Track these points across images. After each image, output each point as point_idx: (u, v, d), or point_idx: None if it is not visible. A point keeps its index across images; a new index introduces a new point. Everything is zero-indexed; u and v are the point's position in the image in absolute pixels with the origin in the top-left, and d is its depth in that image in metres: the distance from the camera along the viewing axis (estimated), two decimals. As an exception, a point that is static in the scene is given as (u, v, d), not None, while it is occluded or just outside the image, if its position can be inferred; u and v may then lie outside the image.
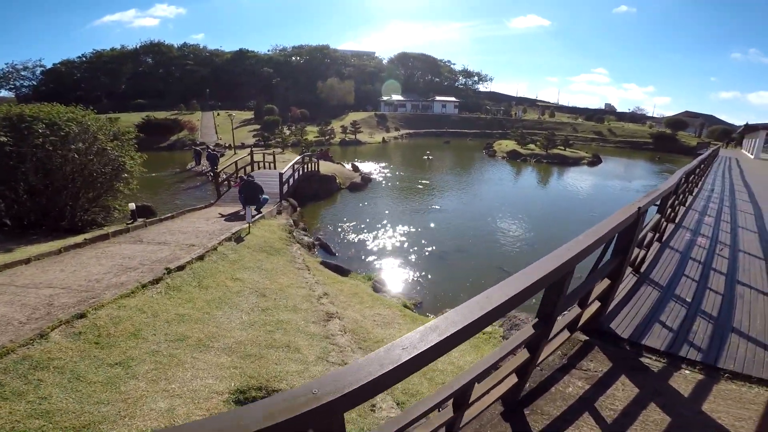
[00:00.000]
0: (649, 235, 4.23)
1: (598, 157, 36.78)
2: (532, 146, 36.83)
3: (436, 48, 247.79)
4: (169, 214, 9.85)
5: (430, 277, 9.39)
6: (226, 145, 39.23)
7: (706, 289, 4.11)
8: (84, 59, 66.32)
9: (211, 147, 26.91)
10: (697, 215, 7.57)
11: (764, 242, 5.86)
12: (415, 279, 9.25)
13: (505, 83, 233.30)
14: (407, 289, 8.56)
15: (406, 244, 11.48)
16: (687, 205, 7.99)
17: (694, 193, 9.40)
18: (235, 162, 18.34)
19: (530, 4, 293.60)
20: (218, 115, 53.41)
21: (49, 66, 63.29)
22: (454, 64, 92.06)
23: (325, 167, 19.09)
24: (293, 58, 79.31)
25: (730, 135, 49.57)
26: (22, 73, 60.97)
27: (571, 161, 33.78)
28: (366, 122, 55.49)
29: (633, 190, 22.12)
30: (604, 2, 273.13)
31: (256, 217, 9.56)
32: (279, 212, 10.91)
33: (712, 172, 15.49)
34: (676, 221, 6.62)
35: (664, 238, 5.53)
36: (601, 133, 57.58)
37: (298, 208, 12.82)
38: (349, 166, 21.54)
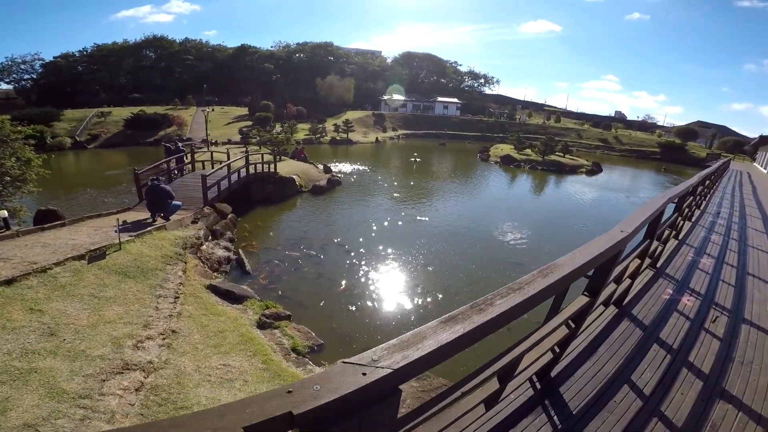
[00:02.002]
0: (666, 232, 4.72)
1: (599, 166, 34.84)
2: (528, 151, 35.05)
3: (447, 51, 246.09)
4: (59, 222, 8.59)
5: (359, 311, 7.65)
6: (212, 141, 38.32)
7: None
8: (85, 53, 66.17)
9: (180, 143, 25.09)
10: (692, 253, 5.95)
11: None
12: (338, 310, 7.61)
13: (513, 88, 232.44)
14: (316, 324, 7.00)
15: (349, 263, 9.89)
16: (680, 238, 6.38)
17: (692, 219, 8.07)
18: (203, 160, 17.25)
19: (541, 9, 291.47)
20: (212, 110, 52.67)
21: (48, 59, 63.07)
22: (460, 65, 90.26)
23: (290, 167, 17.73)
24: (297, 55, 78.28)
25: (742, 147, 47.07)
26: (21, 67, 60.89)
27: (568, 169, 31.92)
28: (362, 121, 54.17)
29: (626, 208, 20.35)
30: (617, 9, 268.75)
31: (154, 226, 8.27)
32: (195, 221, 9.58)
33: (720, 188, 13.80)
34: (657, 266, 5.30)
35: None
36: (607, 141, 55.32)
37: (230, 215, 11.46)
38: (321, 167, 20.13)
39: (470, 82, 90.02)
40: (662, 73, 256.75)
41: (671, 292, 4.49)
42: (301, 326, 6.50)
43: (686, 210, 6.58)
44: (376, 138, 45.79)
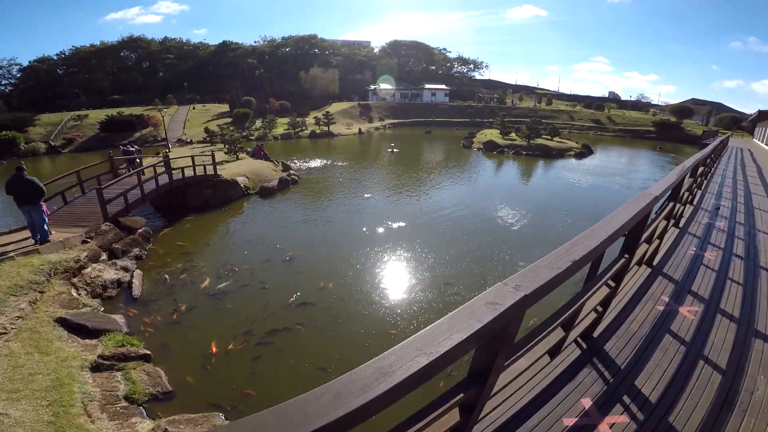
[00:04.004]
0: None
1: (588, 148, 33.47)
2: (513, 136, 33.69)
3: (440, 40, 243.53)
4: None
5: (255, 364, 5.92)
6: (188, 140, 37.18)
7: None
8: (63, 56, 64.78)
9: (134, 145, 22.81)
10: (707, 216, 6.63)
11: None
12: (226, 359, 6.01)
13: (506, 73, 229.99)
14: (184, 368, 5.69)
15: (263, 300, 7.82)
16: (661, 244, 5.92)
17: (703, 186, 8.72)
18: (154, 164, 15.93)
19: None
20: (193, 108, 51.39)
21: (25, 64, 61.77)
22: (449, 51, 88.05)
23: (240, 168, 16.39)
24: (283, 49, 76.33)
25: (740, 123, 45.47)
26: (-1, 72, 59.72)
27: (554, 153, 30.58)
28: (347, 113, 52.77)
29: (616, 197, 18.72)
30: None
31: (21, 249, 7.22)
32: (88, 239, 8.50)
33: (720, 169, 12.48)
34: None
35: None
36: (600, 122, 53.72)
37: (141, 230, 10.18)
38: (279, 165, 18.92)
39: (460, 68, 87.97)
40: (651, 52, 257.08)
41: (695, 249, 4.95)
42: (155, 369, 5.43)
43: (699, 178, 7.33)
44: (359, 129, 44.39)
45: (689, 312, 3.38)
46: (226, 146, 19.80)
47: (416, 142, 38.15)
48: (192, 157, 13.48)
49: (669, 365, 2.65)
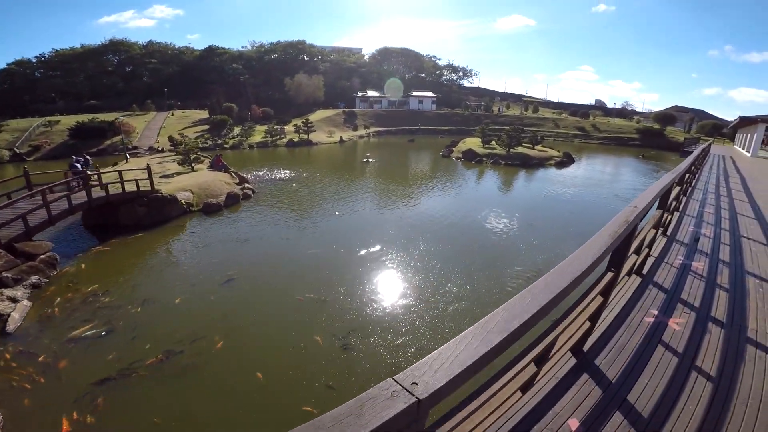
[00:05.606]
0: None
1: (570, 157, 32.96)
2: (494, 144, 33.05)
3: (432, 48, 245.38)
4: None
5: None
6: (159, 148, 35.98)
7: None
8: (42, 58, 63.34)
9: (85, 155, 20.85)
10: (693, 222, 6.74)
11: None
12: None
13: (495, 80, 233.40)
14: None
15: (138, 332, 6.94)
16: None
17: (687, 193, 8.85)
18: (108, 183, 14.57)
19: (513, 4, 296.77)
20: (172, 115, 50.23)
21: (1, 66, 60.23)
22: (439, 59, 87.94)
23: (187, 181, 15.19)
24: (271, 55, 75.40)
25: (721, 130, 45.50)
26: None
27: (534, 162, 29.95)
28: (331, 120, 51.97)
29: (594, 213, 17.88)
30: (583, 1, 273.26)
31: None
32: None
33: (702, 181, 11.66)
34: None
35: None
36: (584, 129, 53.57)
37: (43, 255, 9.07)
38: (236, 177, 17.86)
39: (449, 75, 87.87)
40: (634, 61, 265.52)
41: (682, 257, 4.94)
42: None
43: (685, 185, 7.63)
44: (341, 138, 43.54)
45: (680, 322, 3.37)
46: (180, 156, 18.70)
47: (396, 152, 37.34)
48: (119, 171, 12.36)
49: (661, 379, 2.60)
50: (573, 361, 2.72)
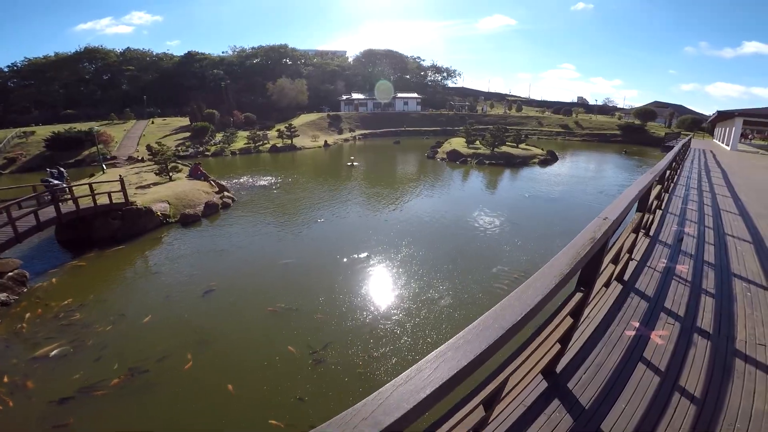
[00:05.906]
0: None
1: (554, 155, 33.22)
2: (478, 144, 33.12)
3: (414, 49, 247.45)
4: None
5: None
6: (139, 157, 35.03)
7: None
8: (14, 68, 61.35)
9: (59, 167, 19.73)
10: (676, 221, 6.53)
11: None
12: None
13: (479, 80, 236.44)
14: None
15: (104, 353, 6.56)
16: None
17: (669, 190, 8.71)
18: (81, 196, 13.87)
19: (494, 4, 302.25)
20: (153, 123, 49.11)
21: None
22: (423, 60, 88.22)
23: (165, 191, 14.65)
24: (253, 60, 74.41)
25: (700, 124, 46.59)
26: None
27: (518, 161, 30.05)
28: (315, 124, 51.50)
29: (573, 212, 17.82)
30: (563, 0, 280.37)
31: None
32: None
33: (684, 177, 11.52)
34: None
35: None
36: (568, 126, 54.25)
37: (12, 272, 8.68)
38: (215, 186, 17.34)
39: (434, 76, 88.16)
40: (614, 58, 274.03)
41: (665, 260, 4.76)
42: None
43: (667, 182, 7.45)
44: (325, 141, 43.13)
45: (663, 334, 3.20)
46: (157, 166, 18.11)
47: (381, 154, 37.13)
48: (90, 184, 11.82)
49: (641, 401, 2.42)
50: (544, 384, 2.50)
